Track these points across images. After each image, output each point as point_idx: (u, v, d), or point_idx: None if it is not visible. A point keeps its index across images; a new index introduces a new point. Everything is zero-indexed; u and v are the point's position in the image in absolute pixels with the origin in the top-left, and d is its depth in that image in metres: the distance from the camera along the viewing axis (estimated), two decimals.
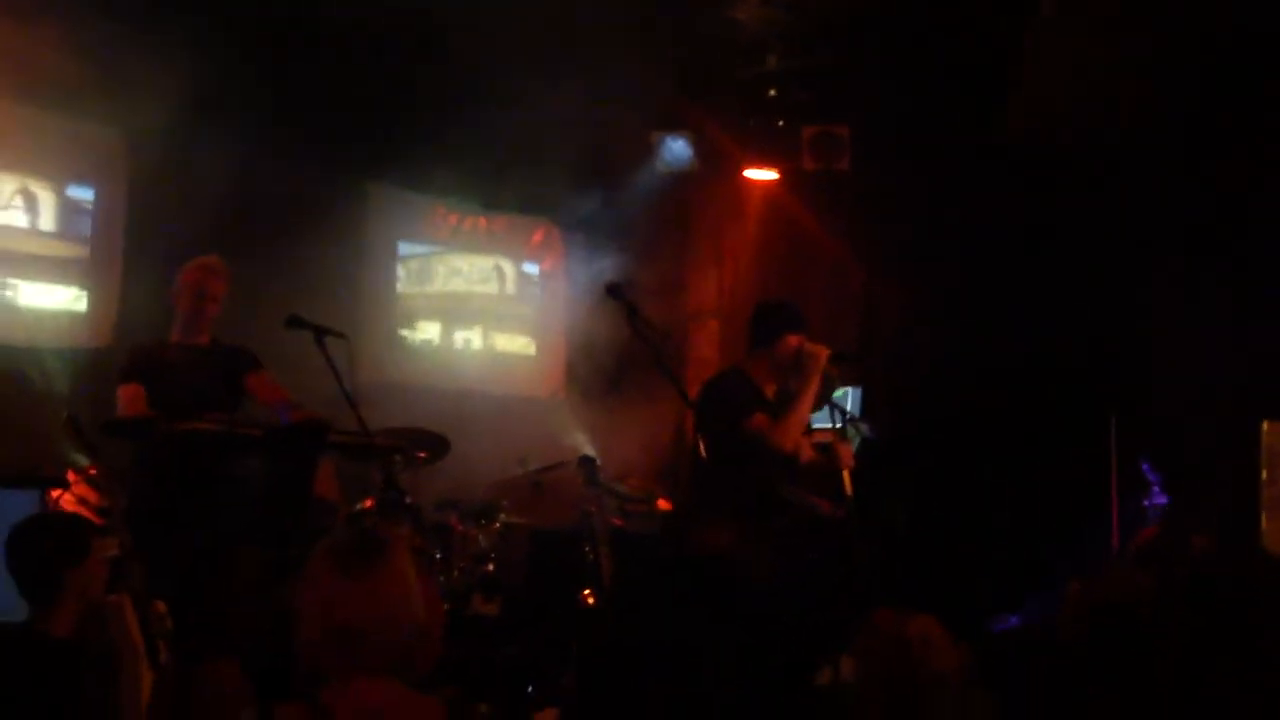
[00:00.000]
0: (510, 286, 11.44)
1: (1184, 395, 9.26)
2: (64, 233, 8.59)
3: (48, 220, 8.51)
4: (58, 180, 8.54)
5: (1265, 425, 8.72)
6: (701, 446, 6.55)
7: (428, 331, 10.90)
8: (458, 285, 11.12)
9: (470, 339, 11.15)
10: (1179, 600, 3.74)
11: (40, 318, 8.44)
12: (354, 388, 6.37)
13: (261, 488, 6.41)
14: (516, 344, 11.46)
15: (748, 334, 7.08)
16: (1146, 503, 8.37)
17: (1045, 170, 9.68)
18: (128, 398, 6.68)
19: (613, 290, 6.26)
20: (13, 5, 7.65)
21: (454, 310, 11.07)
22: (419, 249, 10.89)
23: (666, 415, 9.74)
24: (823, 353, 6.79)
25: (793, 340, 6.83)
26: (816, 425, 7.21)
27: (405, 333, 10.69)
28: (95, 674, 4.82)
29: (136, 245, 8.69)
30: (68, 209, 8.59)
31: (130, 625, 5.05)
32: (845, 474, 6.83)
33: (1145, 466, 8.36)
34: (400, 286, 10.71)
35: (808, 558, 6.67)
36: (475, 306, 11.24)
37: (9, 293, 8.33)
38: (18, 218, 8.36)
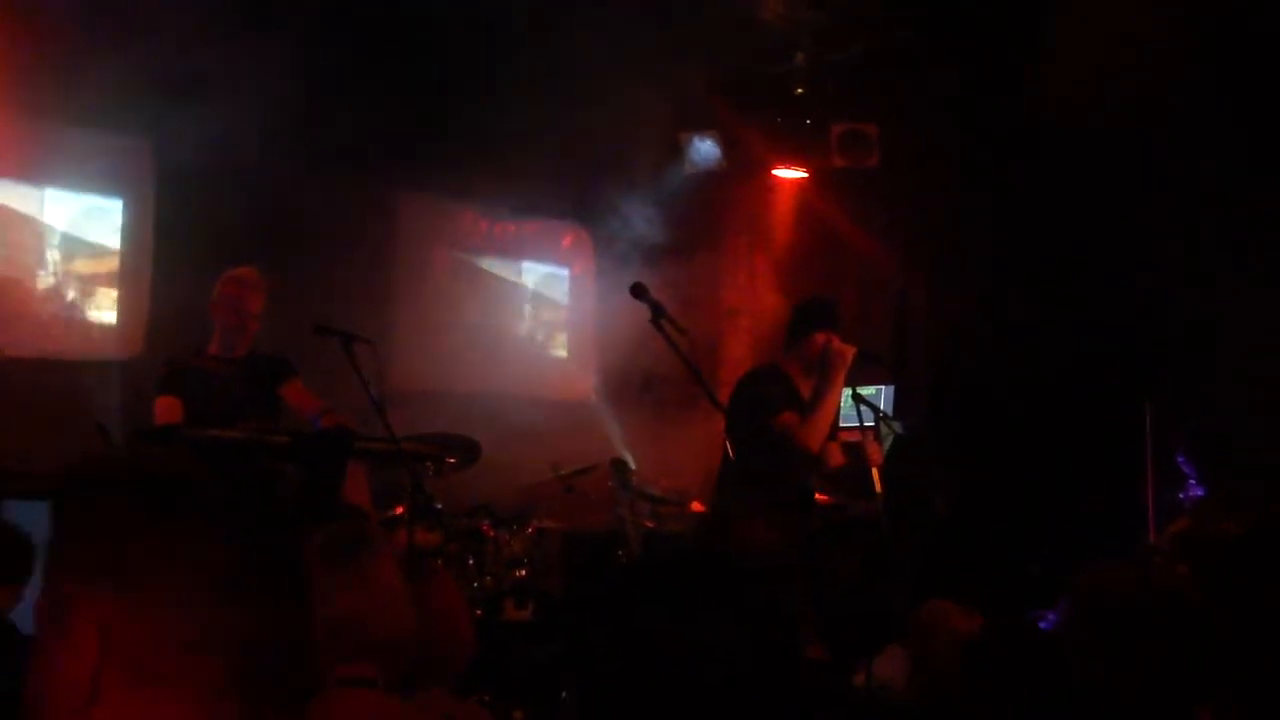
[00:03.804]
0: (541, 291, 11.46)
1: (1221, 383, 9.18)
2: (92, 245, 8.63)
3: (76, 233, 8.54)
4: (85, 192, 8.57)
5: None
6: (729, 446, 6.54)
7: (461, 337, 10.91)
8: (491, 291, 11.15)
9: (501, 344, 11.16)
10: (1213, 589, 3.70)
11: (70, 329, 8.48)
12: (386, 395, 6.36)
13: (290, 495, 6.42)
14: (547, 348, 11.47)
15: (786, 332, 7.08)
16: (1182, 495, 8.29)
17: (1076, 158, 9.61)
18: (164, 409, 6.70)
19: (637, 291, 6.24)
20: (36, 20, 7.68)
21: (487, 316, 11.09)
22: (451, 255, 10.90)
23: (699, 416, 9.71)
24: (850, 351, 6.75)
25: (819, 338, 6.80)
26: (846, 424, 7.17)
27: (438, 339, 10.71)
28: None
29: (165, 256, 8.71)
30: (96, 221, 8.62)
31: None
32: (875, 471, 6.79)
33: (1181, 459, 8.29)
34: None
35: (838, 557, 6.65)
36: (507, 311, 11.25)
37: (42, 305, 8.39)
38: (48, 231, 8.41)
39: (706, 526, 7.83)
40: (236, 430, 6.28)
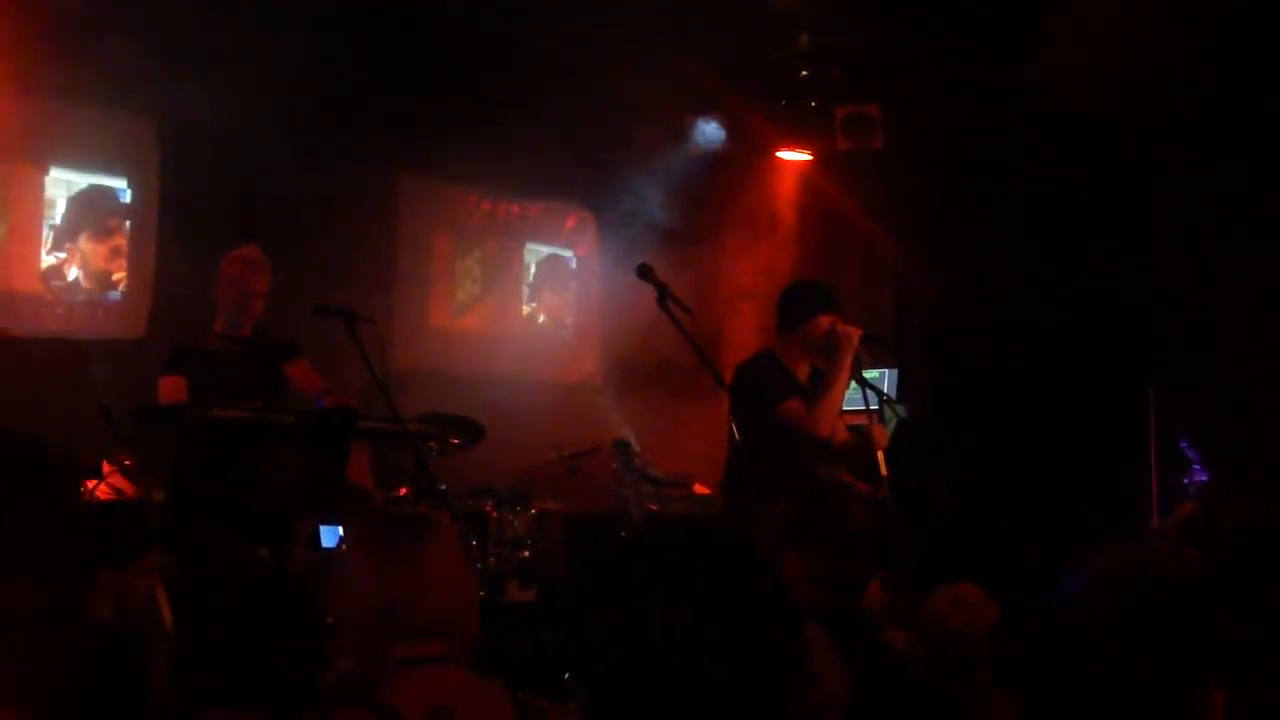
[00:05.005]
0: (544, 272, 11.44)
1: (1220, 369, 9.19)
2: (96, 224, 8.61)
3: (79, 212, 8.53)
4: (89, 171, 8.56)
5: None
6: (735, 429, 6.52)
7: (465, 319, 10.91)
8: (493, 272, 11.12)
9: (504, 325, 11.15)
10: (1223, 573, 3.69)
11: (73, 309, 8.46)
12: (388, 375, 6.35)
13: (295, 474, 6.43)
14: (550, 329, 11.45)
15: (777, 315, 7.02)
16: (1186, 480, 8.30)
17: (1080, 140, 9.61)
18: (168, 388, 6.71)
19: (643, 272, 6.22)
20: (39, 2, 7.67)
21: (490, 297, 11.08)
22: (454, 236, 10.88)
23: (704, 398, 9.70)
24: (855, 333, 6.72)
25: (824, 321, 6.76)
26: (849, 407, 7.15)
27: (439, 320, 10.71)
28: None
29: (169, 235, 8.69)
30: (99, 200, 8.61)
31: (162, 605, 5.04)
32: (880, 454, 6.77)
33: (1184, 444, 8.30)
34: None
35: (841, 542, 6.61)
36: (510, 292, 11.24)
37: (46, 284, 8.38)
38: (50, 210, 8.40)
39: (717, 509, 7.80)
40: (241, 409, 6.27)
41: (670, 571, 2.17)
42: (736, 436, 6.55)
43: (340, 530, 6.51)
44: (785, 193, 11.45)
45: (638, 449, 9.41)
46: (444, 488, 7.26)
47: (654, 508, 9.08)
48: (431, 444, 7.35)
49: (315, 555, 6.51)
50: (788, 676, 2.15)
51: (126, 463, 6.51)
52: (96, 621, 4.47)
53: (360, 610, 3.05)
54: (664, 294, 6.11)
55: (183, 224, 8.60)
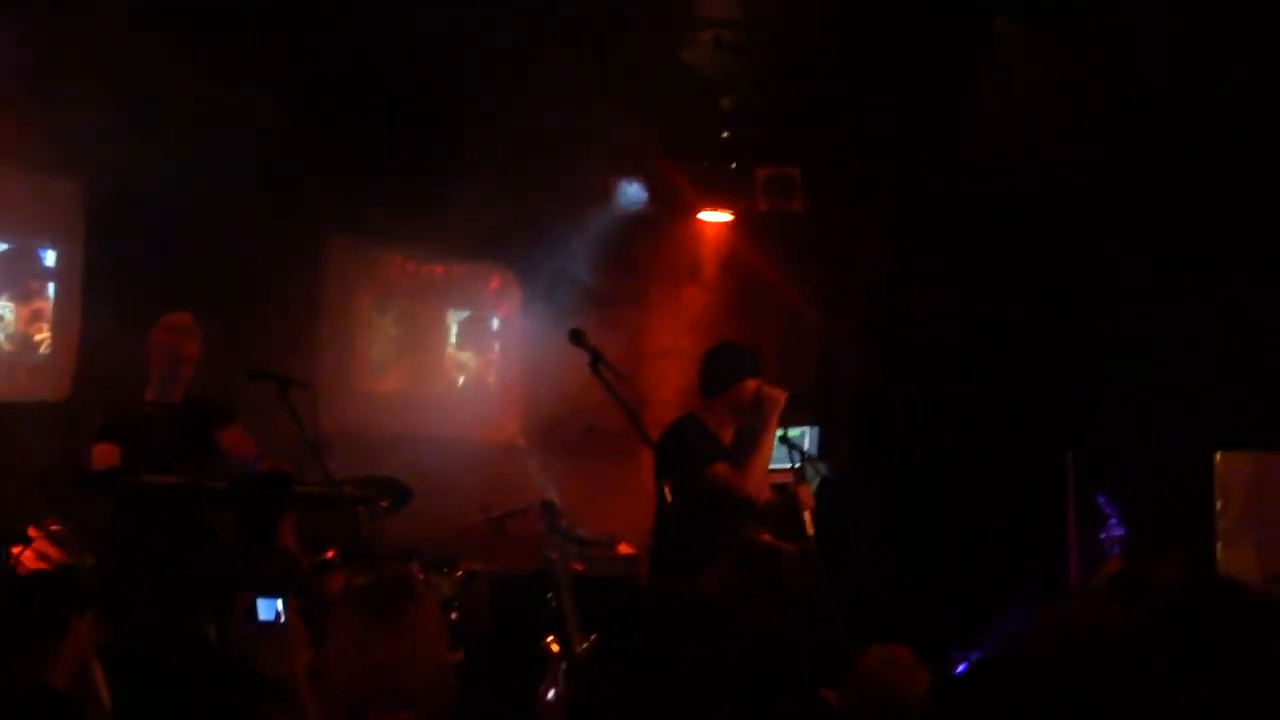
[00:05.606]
0: (467, 334, 11.44)
1: (1139, 428, 9.35)
2: (18, 287, 8.56)
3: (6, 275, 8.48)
4: (13, 233, 8.51)
5: (1218, 456, 8.85)
6: (667, 490, 6.57)
7: (389, 380, 10.90)
8: (417, 334, 11.13)
9: (428, 386, 11.15)
10: (1149, 632, 3.77)
11: None
12: (315, 437, 6.37)
13: (231, 540, 6.42)
14: (474, 390, 11.45)
15: (701, 379, 7.09)
16: (1103, 535, 8.42)
17: (999, 205, 9.77)
18: (101, 455, 6.70)
19: (576, 337, 6.28)
20: None
21: (414, 357, 11.08)
22: (378, 297, 10.88)
23: (629, 459, 9.75)
24: (781, 396, 6.82)
25: (750, 384, 6.85)
26: (774, 466, 7.24)
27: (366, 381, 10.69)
28: None
29: (96, 299, 8.65)
30: (23, 262, 8.56)
31: (100, 685, 5.01)
32: (806, 514, 6.86)
33: (1102, 499, 8.42)
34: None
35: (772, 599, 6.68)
36: (434, 353, 11.24)
37: None
38: None
39: (642, 569, 7.82)
40: (175, 476, 6.27)
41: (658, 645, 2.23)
42: (666, 499, 6.61)
43: (279, 604, 6.49)
44: (707, 252, 11.54)
45: (563, 509, 9.41)
46: (372, 550, 7.27)
47: (579, 568, 9.08)
48: (360, 508, 7.35)
49: (253, 627, 6.48)
50: None
51: (53, 528, 6.47)
52: (50, 689, 4.45)
53: (347, 673, 3.06)
54: (596, 359, 6.17)
55: (109, 287, 8.56)
